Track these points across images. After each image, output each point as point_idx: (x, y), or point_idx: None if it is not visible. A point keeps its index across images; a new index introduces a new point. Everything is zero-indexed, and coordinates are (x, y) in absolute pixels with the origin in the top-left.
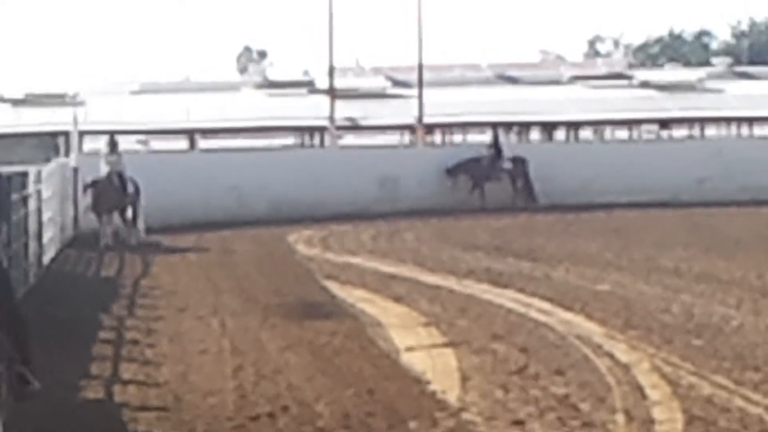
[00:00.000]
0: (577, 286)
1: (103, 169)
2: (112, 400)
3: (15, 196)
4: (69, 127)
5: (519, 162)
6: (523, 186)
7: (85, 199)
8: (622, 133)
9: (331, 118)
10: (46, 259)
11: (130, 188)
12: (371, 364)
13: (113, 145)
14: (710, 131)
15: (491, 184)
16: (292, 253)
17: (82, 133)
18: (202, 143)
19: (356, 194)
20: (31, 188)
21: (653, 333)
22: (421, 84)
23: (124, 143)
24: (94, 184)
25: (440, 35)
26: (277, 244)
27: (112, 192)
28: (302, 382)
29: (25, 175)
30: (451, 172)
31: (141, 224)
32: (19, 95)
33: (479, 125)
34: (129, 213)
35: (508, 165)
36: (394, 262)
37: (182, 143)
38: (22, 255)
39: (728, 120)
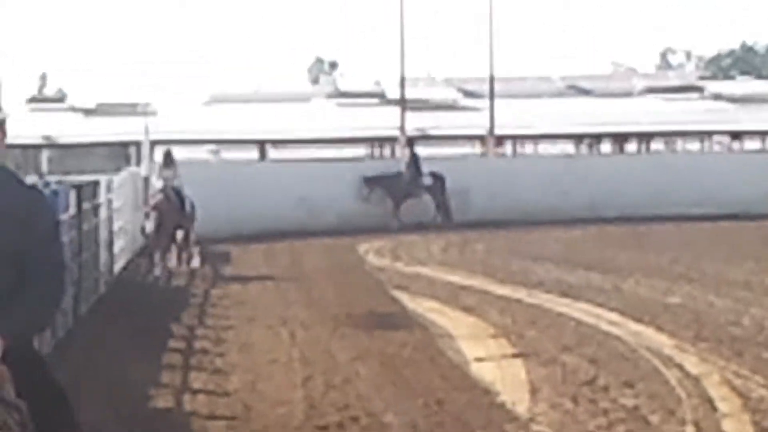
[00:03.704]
0: (648, 298)
1: (157, 184)
2: (182, 409)
3: (86, 206)
4: (140, 137)
5: (438, 179)
6: (441, 203)
7: (148, 223)
8: (694, 145)
9: (402, 129)
10: (117, 268)
11: (188, 207)
12: (440, 375)
13: (168, 158)
14: None
15: (411, 200)
16: (361, 264)
17: (153, 143)
18: (273, 153)
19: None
20: (102, 197)
21: (723, 345)
22: (492, 95)
23: (195, 153)
24: (156, 207)
25: (511, 47)
26: (346, 255)
27: (173, 213)
28: (371, 392)
29: (96, 184)
30: (369, 182)
31: (194, 248)
32: (91, 105)
33: (550, 137)
34: (182, 235)
35: (427, 181)
36: (464, 273)
37: (253, 153)
38: (93, 264)
39: None
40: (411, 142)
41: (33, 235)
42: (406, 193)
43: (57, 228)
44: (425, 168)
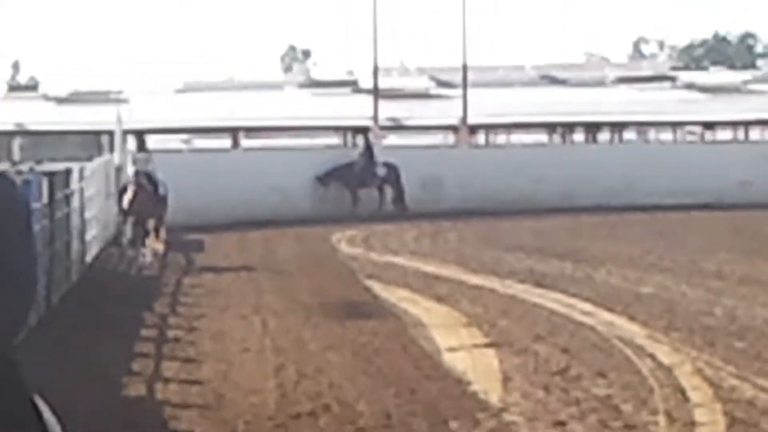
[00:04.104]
0: (620, 288)
1: (130, 171)
2: (154, 398)
3: (58, 194)
4: (113, 126)
5: (391, 168)
6: (395, 193)
7: (126, 228)
8: (666, 135)
9: (375, 118)
10: (89, 257)
11: (162, 191)
12: (413, 364)
13: (141, 144)
14: (754, 134)
15: (365, 190)
16: (334, 253)
17: (125, 132)
18: (246, 142)
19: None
20: (74, 186)
21: (696, 335)
22: (465, 84)
23: (168, 142)
24: (124, 189)
25: (484, 36)
26: (319, 244)
27: (147, 199)
28: (344, 381)
29: (68, 172)
30: (323, 179)
31: (162, 235)
32: (64, 93)
33: (523, 126)
34: (152, 222)
35: (381, 171)
36: (436, 263)
37: (226, 142)
38: (65, 253)
39: None
40: (365, 131)
41: (2, 231)
42: (360, 182)
43: (29, 221)
44: (380, 158)
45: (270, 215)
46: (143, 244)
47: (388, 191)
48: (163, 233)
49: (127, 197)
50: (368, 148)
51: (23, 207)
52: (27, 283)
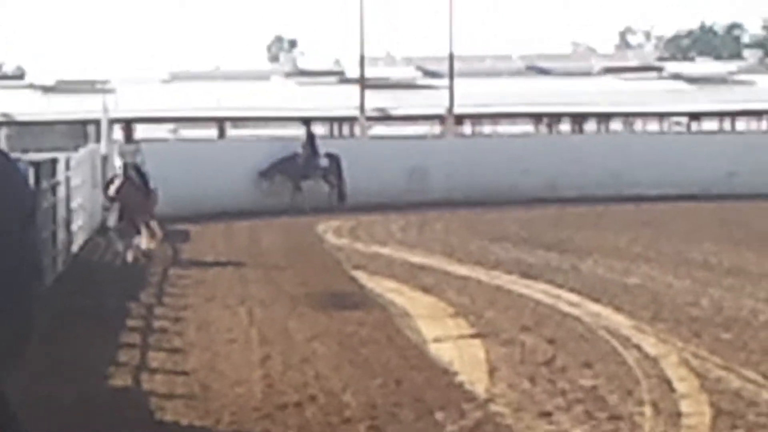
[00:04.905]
0: (606, 279)
1: (117, 162)
2: (140, 388)
3: (44, 184)
4: (99, 115)
5: (333, 159)
6: (336, 184)
7: (111, 214)
8: (653, 126)
9: (362, 108)
10: (75, 247)
11: (151, 185)
12: (399, 354)
13: (129, 135)
14: (741, 124)
15: (308, 182)
16: (320, 243)
17: (112, 121)
18: (232, 132)
19: (385, 184)
20: (60, 176)
21: (682, 326)
22: (452, 74)
23: (155, 131)
24: (118, 194)
25: (471, 26)
26: (305, 234)
27: (135, 195)
28: (330, 371)
29: (54, 162)
30: (266, 174)
31: (155, 231)
32: (50, 82)
33: (509, 116)
34: (141, 218)
35: (324, 162)
36: (422, 253)
37: (212, 132)
38: (51, 243)
39: (759, 113)
40: (308, 122)
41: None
42: (302, 174)
43: (34, 210)
44: (322, 149)
45: (256, 205)
46: (127, 237)
47: (330, 183)
48: (155, 228)
49: (114, 186)
50: (310, 139)
51: (27, 194)
52: (26, 295)
